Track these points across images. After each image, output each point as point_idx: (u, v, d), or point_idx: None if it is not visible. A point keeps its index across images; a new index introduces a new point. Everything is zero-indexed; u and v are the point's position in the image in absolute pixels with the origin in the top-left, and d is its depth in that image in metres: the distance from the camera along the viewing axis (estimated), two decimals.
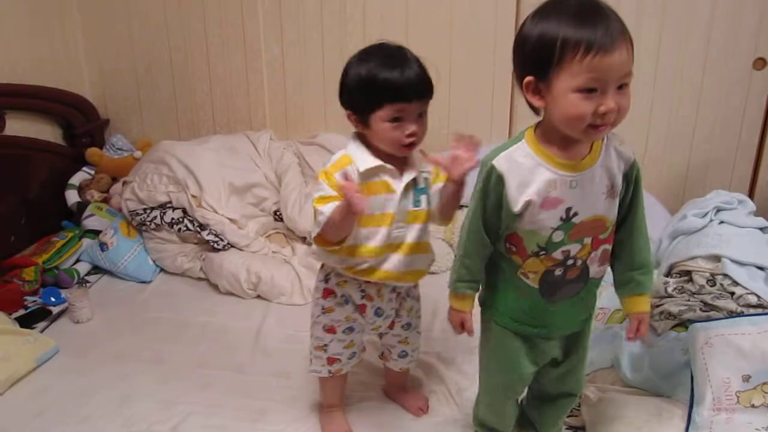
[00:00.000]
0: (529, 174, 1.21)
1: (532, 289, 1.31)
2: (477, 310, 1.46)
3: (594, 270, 1.32)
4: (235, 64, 2.93)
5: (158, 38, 2.94)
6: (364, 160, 1.48)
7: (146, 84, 3.05)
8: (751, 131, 2.62)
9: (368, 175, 1.48)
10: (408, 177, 1.50)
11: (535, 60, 1.15)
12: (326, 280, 1.62)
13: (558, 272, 1.29)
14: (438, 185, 1.55)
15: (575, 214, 1.24)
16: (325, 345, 1.65)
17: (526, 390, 1.60)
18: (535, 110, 1.24)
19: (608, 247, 1.32)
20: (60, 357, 2.05)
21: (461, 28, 2.70)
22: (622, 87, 1.13)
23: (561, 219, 1.24)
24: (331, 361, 1.67)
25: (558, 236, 1.25)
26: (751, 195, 2.65)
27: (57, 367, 2.00)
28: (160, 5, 2.89)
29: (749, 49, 2.52)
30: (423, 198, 1.53)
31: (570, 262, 1.28)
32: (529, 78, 1.17)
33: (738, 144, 2.65)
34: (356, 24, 2.76)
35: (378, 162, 1.48)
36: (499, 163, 1.22)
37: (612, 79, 1.11)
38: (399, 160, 1.51)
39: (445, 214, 1.56)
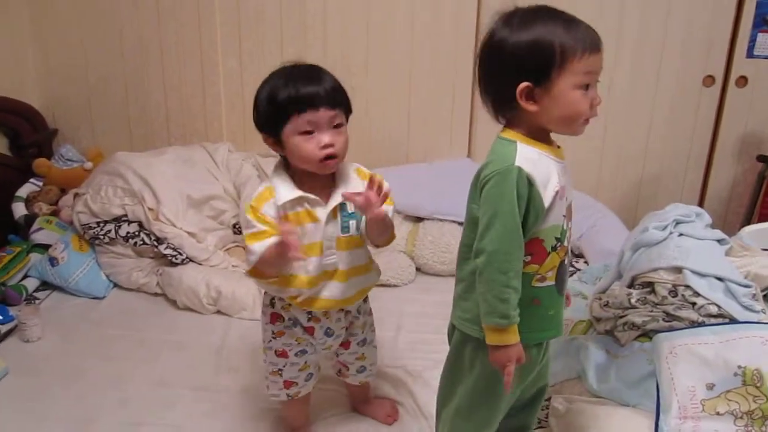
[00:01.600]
0: (544, 167, 1.23)
1: (549, 288, 1.30)
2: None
3: None
4: (191, 74, 2.86)
5: (111, 46, 2.85)
6: (285, 191, 1.44)
7: (98, 93, 2.94)
8: (701, 146, 2.72)
9: (290, 206, 1.44)
10: (333, 203, 1.46)
11: (532, 66, 1.18)
12: (272, 304, 1.58)
13: (566, 261, 1.32)
14: None
15: (568, 198, 1.29)
16: (280, 370, 1.62)
17: None
18: (501, 117, 1.28)
19: None
20: (10, 379, 1.95)
21: (422, 38, 2.71)
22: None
23: (566, 206, 1.28)
24: (287, 384, 1.64)
25: (566, 223, 1.29)
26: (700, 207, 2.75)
27: (7, 389, 1.91)
28: (114, 13, 2.80)
29: (699, 68, 2.62)
30: (352, 223, 1.50)
31: (568, 247, 1.32)
32: (525, 84, 1.19)
33: (688, 158, 2.75)
34: (317, 34, 2.74)
35: (297, 193, 1.44)
36: (522, 163, 1.19)
37: (598, 74, 1.22)
38: (325, 186, 1.47)
39: (375, 241, 1.53)
